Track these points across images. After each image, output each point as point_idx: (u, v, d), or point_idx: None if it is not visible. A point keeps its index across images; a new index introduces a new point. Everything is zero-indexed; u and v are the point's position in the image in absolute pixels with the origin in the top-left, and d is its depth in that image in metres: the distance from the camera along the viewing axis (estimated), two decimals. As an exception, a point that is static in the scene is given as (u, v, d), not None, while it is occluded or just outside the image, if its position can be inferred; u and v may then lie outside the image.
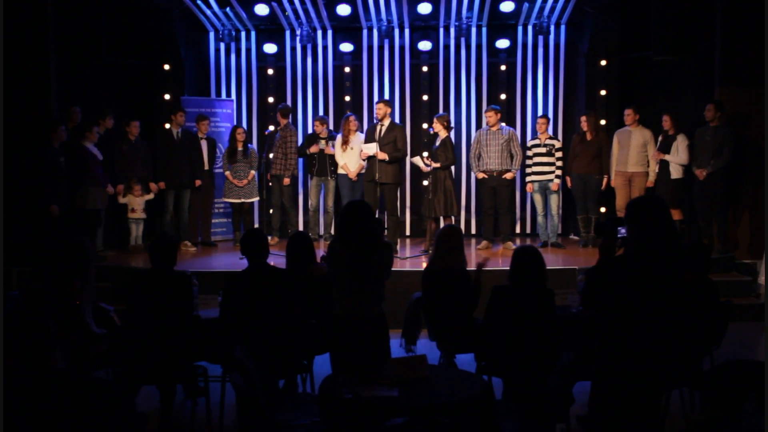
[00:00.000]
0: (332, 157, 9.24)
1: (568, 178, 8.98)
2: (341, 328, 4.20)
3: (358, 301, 4.18)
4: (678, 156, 8.42)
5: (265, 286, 4.47)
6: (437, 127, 8.47)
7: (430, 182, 8.49)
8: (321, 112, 10.35)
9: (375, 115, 8.61)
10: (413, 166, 10.28)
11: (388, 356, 4.12)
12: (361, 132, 9.25)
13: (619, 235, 3.65)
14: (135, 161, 8.82)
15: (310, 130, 9.92)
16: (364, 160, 8.54)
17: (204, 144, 9.29)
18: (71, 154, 8.13)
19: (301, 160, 9.70)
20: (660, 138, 8.64)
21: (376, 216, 6.75)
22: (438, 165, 8.34)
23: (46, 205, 7.76)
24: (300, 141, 9.68)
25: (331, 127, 10.24)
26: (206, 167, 9.31)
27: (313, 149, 9.15)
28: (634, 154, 8.68)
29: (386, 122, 8.39)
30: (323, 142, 9.25)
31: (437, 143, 8.44)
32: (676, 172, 8.48)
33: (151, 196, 8.95)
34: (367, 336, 4.16)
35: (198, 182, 9.17)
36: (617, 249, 3.67)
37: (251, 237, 4.67)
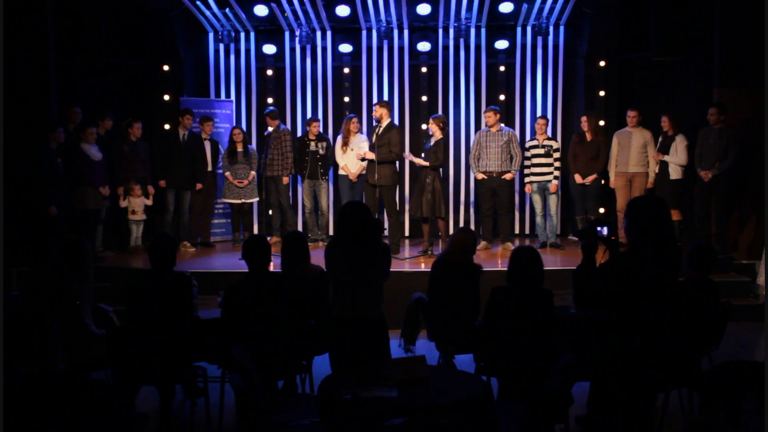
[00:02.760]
0: (323, 159, 9.23)
1: (578, 176, 8.88)
2: (340, 330, 4.20)
3: (357, 303, 4.18)
4: (677, 156, 8.43)
5: (265, 294, 4.42)
6: (433, 127, 8.45)
7: (418, 182, 8.45)
8: (320, 113, 10.36)
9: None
10: (412, 167, 10.30)
11: (388, 358, 4.12)
12: (362, 133, 9.26)
13: (599, 235, 3.66)
14: (135, 162, 8.82)
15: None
16: (362, 160, 8.57)
17: (208, 145, 9.30)
18: (68, 155, 8.15)
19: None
20: (660, 139, 8.65)
21: (376, 217, 6.77)
22: (427, 164, 8.32)
23: (45, 207, 7.77)
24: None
25: (331, 128, 10.26)
26: (210, 168, 9.31)
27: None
28: (635, 155, 8.69)
29: (384, 123, 8.38)
30: (313, 144, 9.24)
31: (431, 143, 8.42)
32: (675, 173, 8.49)
33: (149, 201, 8.94)
34: (367, 338, 4.16)
35: (199, 186, 9.16)
36: (599, 249, 3.68)
37: (253, 243, 4.59)
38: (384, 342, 4.25)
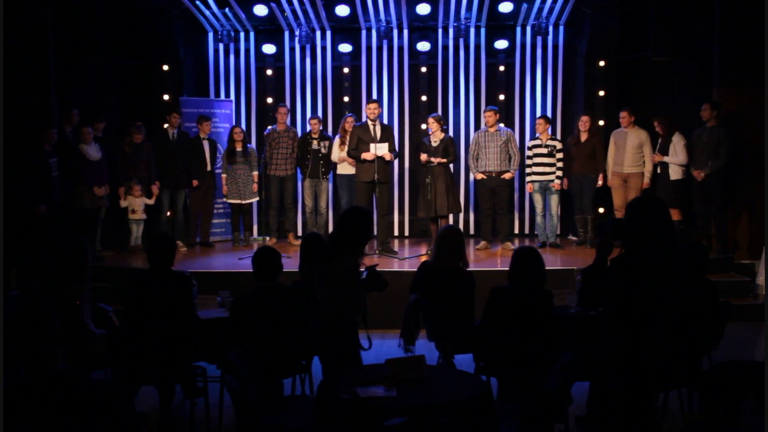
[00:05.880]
0: (325, 158, 9.22)
1: (565, 180, 8.96)
2: (325, 333, 4.24)
3: (337, 309, 4.20)
4: (677, 157, 8.44)
5: (273, 303, 4.39)
6: (434, 126, 8.44)
7: (430, 181, 8.40)
8: (320, 113, 10.34)
9: (367, 115, 8.47)
10: (412, 166, 10.29)
11: (359, 364, 4.17)
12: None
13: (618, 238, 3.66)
14: (138, 162, 8.82)
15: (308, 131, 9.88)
16: (371, 161, 8.18)
17: (206, 144, 9.28)
18: (66, 155, 8.16)
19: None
20: (660, 141, 8.65)
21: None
22: (444, 160, 8.34)
23: (34, 205, 7.77)
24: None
25: (330, 128, 10.26)
26: (209, 168, 9.30)
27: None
28: (630, 155, 8.69)
29: (377, 123, 8.39)
30: (315, 142, 9.23)
31: (435, 142, 8.42)
32: (675, 173, 8.49)
33: (151, 201, 8.95)
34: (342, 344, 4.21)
35: (195, 182, 9.17)
36: (614, 250, 3.68)
37: (263, 256, 4.47)
38: (354, 350, 4.27)
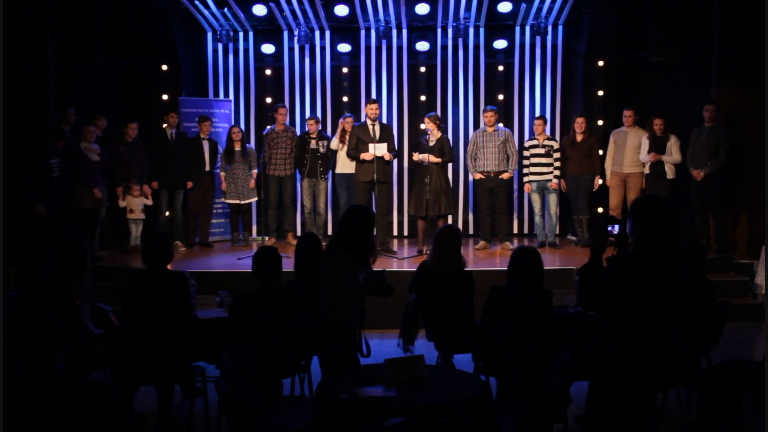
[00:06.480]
0: (323, 158, 9.21)
1: (562, 181, 8.96)
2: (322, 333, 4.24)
3: (339, 309, 4.19)
4: (672, 156, 8.45)
5: (274, 304, 4.39)
6: (431, 126, 8.44)
7: (428, 181, 8.39)
8: (319, 113, 10.34)
9: (366, 115, 8.53)
10: (411, 165, 10.29)
11: (357, 365, 4.15)
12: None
13: (610, 236, 3.66)
14: (132, 162, 8.82)
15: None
16: (370, 161, 8.25)
17: (206, 144, 9.28)
18: (68, 155, 8.15)
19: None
20: (650, 141, 8.62)
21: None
22: (439, 160, 8.34)
23: (33, 205, 7.77)
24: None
25: (330, 128, 10.25)
26: (207, 168, 9.29)
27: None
28: (630, 155, 8.70)
29: (377, 123, 8.40)
30: (314, 142, 9.23)
31: (431, 141, 8.41)
32: (671, 173, 8.51)
33: (149, 201, 8.94)
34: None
35: (189, 184, 9.17)
36: (607, 248, 3.68)
37: (264, 256, 4.49)
38: (351, 351, 4.26)
